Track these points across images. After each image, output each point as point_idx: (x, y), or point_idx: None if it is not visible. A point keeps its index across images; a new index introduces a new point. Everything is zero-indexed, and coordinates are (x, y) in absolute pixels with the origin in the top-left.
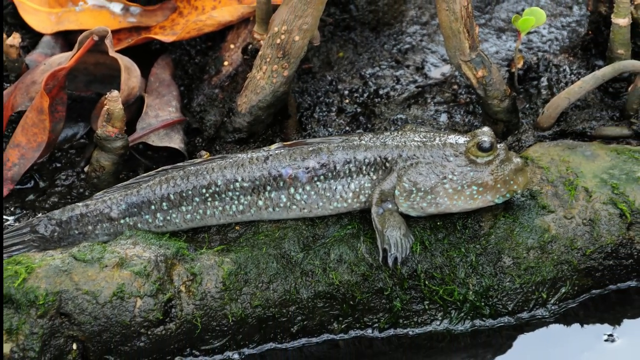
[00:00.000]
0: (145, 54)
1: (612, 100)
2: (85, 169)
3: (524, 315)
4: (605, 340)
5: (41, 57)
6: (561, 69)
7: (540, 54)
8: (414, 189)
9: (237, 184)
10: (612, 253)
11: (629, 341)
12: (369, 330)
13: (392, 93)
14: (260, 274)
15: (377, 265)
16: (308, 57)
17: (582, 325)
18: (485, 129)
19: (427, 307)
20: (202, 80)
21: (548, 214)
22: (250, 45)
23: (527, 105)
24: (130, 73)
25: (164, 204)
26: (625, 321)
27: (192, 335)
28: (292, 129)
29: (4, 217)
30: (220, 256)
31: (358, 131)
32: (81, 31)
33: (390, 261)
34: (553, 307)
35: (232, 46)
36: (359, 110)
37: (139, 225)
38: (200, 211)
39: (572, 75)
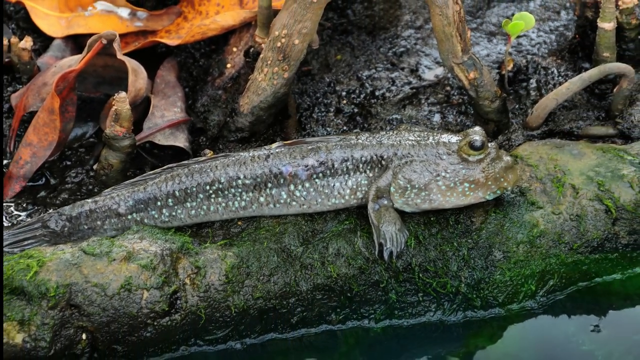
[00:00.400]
0: (152, 56)
1: (598, 101)
2: (94, 166)
3: (514, 306)
4: (592, 331)
5: (52, 60)
6: (549, 71)
7: (529, 56)
8: (408, 185)
9: (240, 181)
10: (598, 247)
11: (614, 332)
12: (366, 321)
13: (387, 94)
14: (261, 267)
15: (373, 258)
16: (307, 60)
17: (569, 317)
18: (477, 128)
19: (421, 299)
20: (206, 82)
21: (537, 210)
22: (252, 49)
23: (517, 106)
24: (137, 75)
25: (170, 200)
26: (611, 312)
27: (196, 325)
28: (292, 128)
29: (16, 212)
30: (224, 250)
31: (355, 131)
32: (90, 35)
33: (385, 255)
34: (541, 299)
35: (234, 49)
36: (356, 110)
37: (145, 220)
38: (204, 207)
39: (560, 77)
